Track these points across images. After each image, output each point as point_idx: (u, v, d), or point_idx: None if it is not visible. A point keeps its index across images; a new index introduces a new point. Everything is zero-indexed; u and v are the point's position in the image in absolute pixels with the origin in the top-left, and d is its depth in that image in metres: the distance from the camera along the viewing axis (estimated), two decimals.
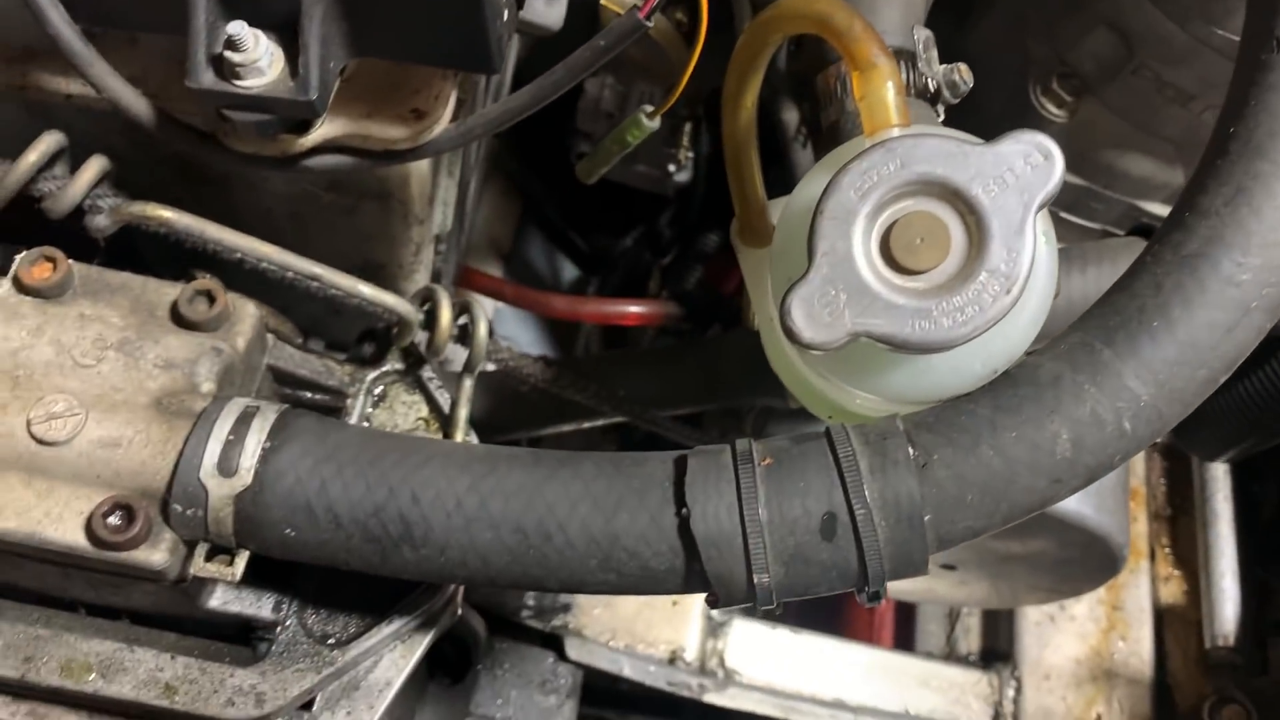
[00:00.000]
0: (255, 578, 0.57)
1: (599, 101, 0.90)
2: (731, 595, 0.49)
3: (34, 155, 0.52)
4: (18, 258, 0.53)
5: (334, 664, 0.56)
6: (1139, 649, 1.08)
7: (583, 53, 0.50)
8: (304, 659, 0.56)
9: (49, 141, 0.52)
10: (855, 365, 0.49)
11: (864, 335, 0.44)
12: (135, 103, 0.50)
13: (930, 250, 0.43)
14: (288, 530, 0.49)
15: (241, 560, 0.51)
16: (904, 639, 1.18)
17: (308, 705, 0.58)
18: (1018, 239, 0.43)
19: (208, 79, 0.46)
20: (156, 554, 0.49)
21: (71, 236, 0.56)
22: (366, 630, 0.57)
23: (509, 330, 1.03)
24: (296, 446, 0.50)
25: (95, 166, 0.53)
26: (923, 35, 0.53)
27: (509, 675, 0.87)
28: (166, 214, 0.53)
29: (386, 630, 0.57)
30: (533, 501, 0.49)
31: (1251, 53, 0.50)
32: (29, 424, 0.50)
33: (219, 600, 0.57)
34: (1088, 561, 0.87)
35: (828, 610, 1.21)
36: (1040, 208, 0.43)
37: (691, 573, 0.48)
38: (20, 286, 0.53)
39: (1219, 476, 1.11)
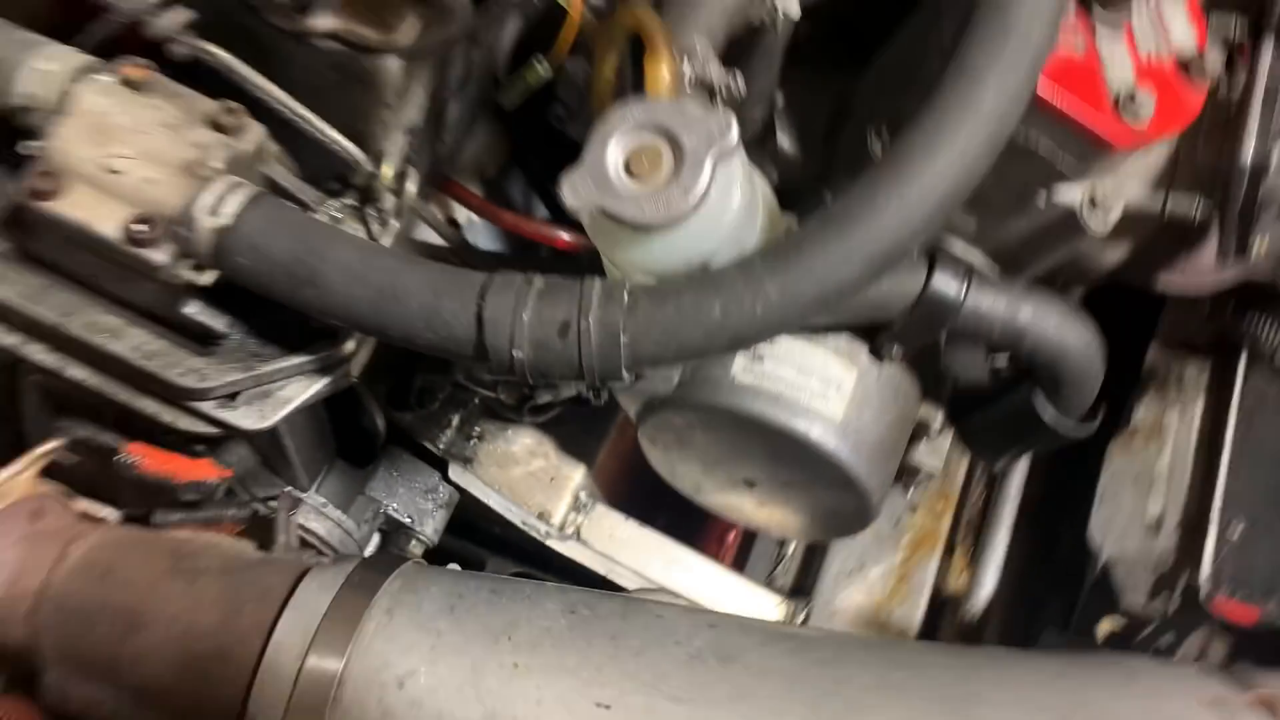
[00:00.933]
0: (222, 307, 0.86)
1: (574, 76, 1.18)
2: (500, 362, 0.76)
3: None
4: (125, 59, 0.83)
5: (253, 371, 0.85)
6: (910, 616, 1.33)
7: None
8: (237, 363, 0.85)
9: None
10: (616, 243, 0.76)
11: (599, 208, 0.71)
12: None
13: (651, 166, 0.71)
14: (240, 259, 0.78)
15: (210, 274, 0.79)
16: (738, 568, 1.44)
17: (233, 397, 0.86)
18: (698, 169, 0.70)
19: None
20: (159, 254, 0.78)
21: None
22: (281, 357, 0.86)
23: (477, 240, 1.31)
24: (262, 210, 0.78)
25: (185, 15, 0.82)
26: (704, 45, 0.80)
27: (401, 478, 1.15)
28: (224, 55, 0.82)
29: (293, 360, 0.86)
30: (395, 278, 0.77)
31: None
32: (105, 157, 0.79)
33: (193, 309, 0.85)
34: (843, 504, 1.11)
35: (685, 533, 1.47)
36: (720, 153, 0.70)
37: (479, 342, 0.76)
38: (123, 79, 0.83)
39: (1011, 495, 1.35)
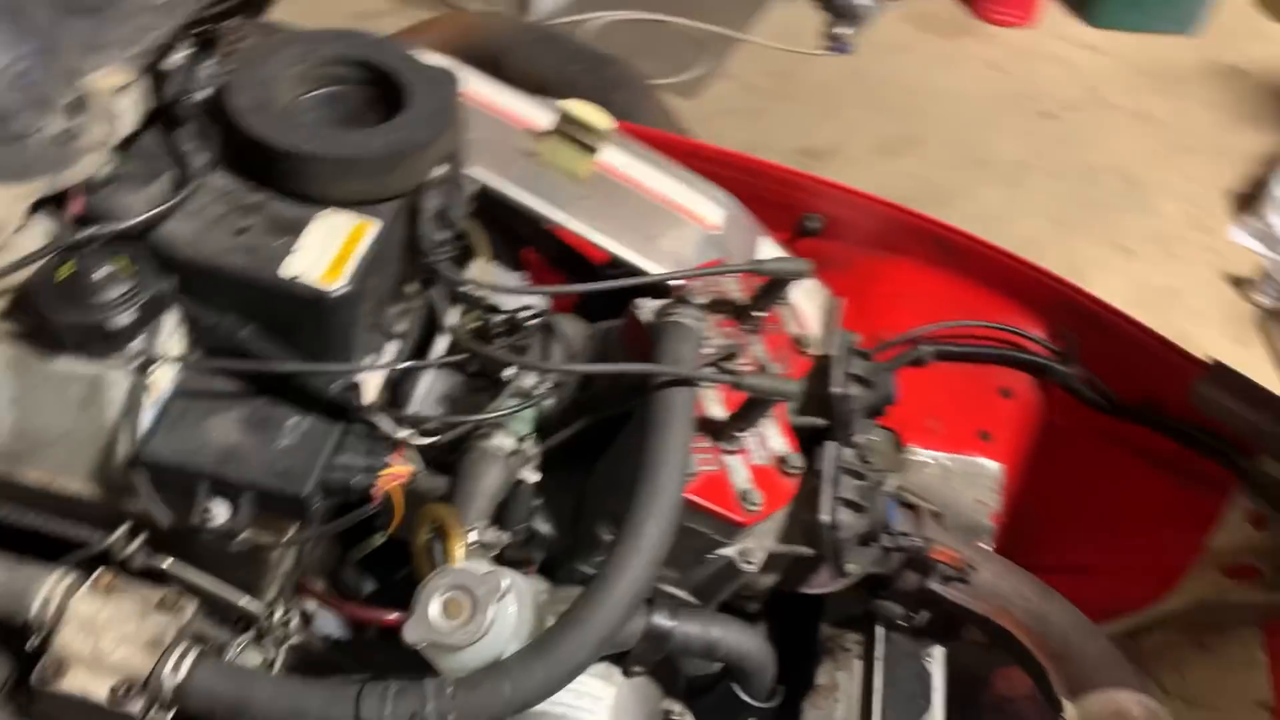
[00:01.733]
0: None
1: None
2: None
3: None
4: (101, 569, 1.24)
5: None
6: None
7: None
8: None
9: None
10: (441, 657, 1.22)
11: (428, 641, 1.18)
12: None
13: (457, 610, 1.18)
14: (193, 701, 1.18)
15: (171, 713, 1.19)
16: None
17: None
18: (486, 610, 1.18)
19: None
20: (135, 708, 1.17)
21: None
22: None
23: (329, 623, 1.73)
24: (205, 667, 1.20)
25: (142, 538, 1.26)
26: (480, 520, 1.31)
27: None
28: (170, 561, 1.26)
29: None
30: (297, 700, 1.19)
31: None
32: (93, 645, 1.19)
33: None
34: None
35: None
36: (498, 597, 1.19)
37: None
38: (99, 585, 1.24)
39: None
